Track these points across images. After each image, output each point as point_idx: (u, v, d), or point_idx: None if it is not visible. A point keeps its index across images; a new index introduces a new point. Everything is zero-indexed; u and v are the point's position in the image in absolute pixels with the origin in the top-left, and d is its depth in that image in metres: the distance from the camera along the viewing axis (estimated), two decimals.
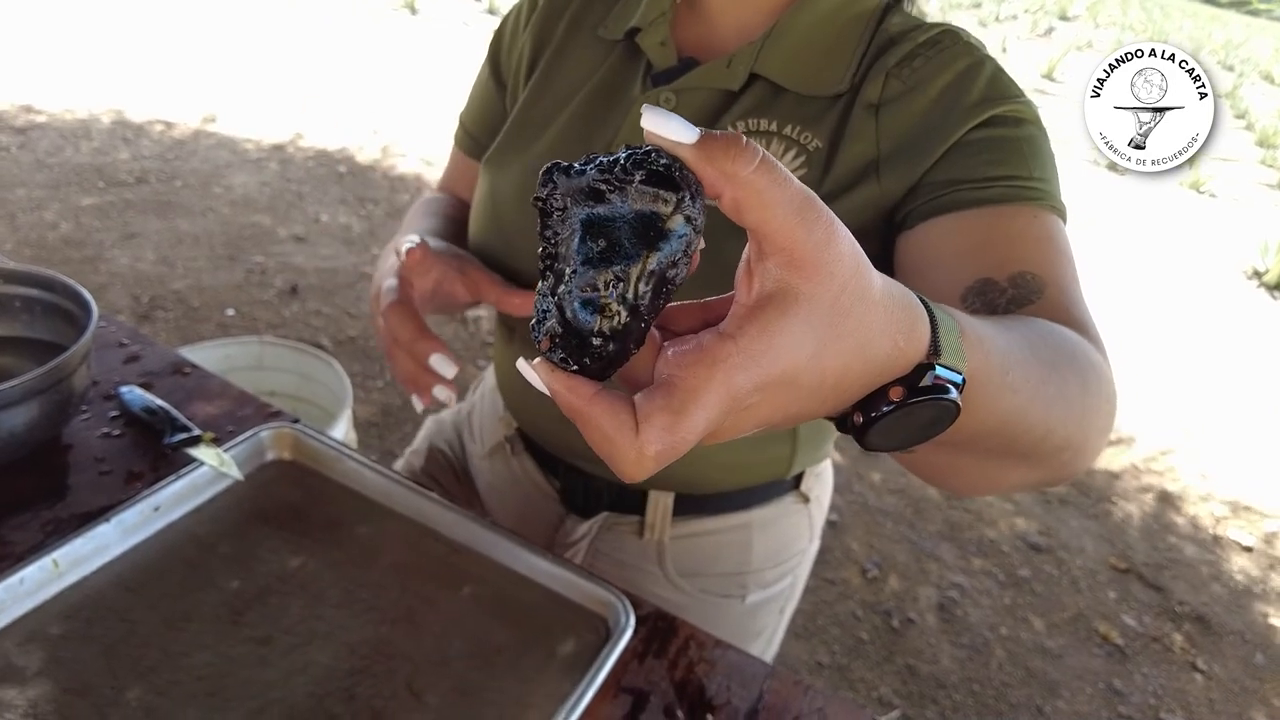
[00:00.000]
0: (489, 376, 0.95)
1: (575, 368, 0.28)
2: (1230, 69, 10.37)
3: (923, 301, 0.32)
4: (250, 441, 0.71)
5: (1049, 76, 7.87)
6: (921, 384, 0.31)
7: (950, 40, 0.62)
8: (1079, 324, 0.50)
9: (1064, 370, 0.43)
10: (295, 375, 1.58)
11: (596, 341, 0.27)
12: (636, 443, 0.27)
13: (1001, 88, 0.60)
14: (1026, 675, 1.88)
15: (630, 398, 0.28)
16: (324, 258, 3.02)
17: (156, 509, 0.65)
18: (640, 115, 0.66)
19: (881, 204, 0.60)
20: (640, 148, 0.27)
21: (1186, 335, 3.71)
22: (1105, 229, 4.67)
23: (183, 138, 3.81)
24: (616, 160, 0.26)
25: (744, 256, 0.28)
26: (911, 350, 0.31)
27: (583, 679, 0.55)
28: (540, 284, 0.28)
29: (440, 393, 0.63)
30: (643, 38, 0.68)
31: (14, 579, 0.57)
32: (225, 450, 0.69)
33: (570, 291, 0.27)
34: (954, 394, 0.32)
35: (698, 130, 0.26)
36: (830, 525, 2.10)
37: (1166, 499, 2.57)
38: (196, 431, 0.71)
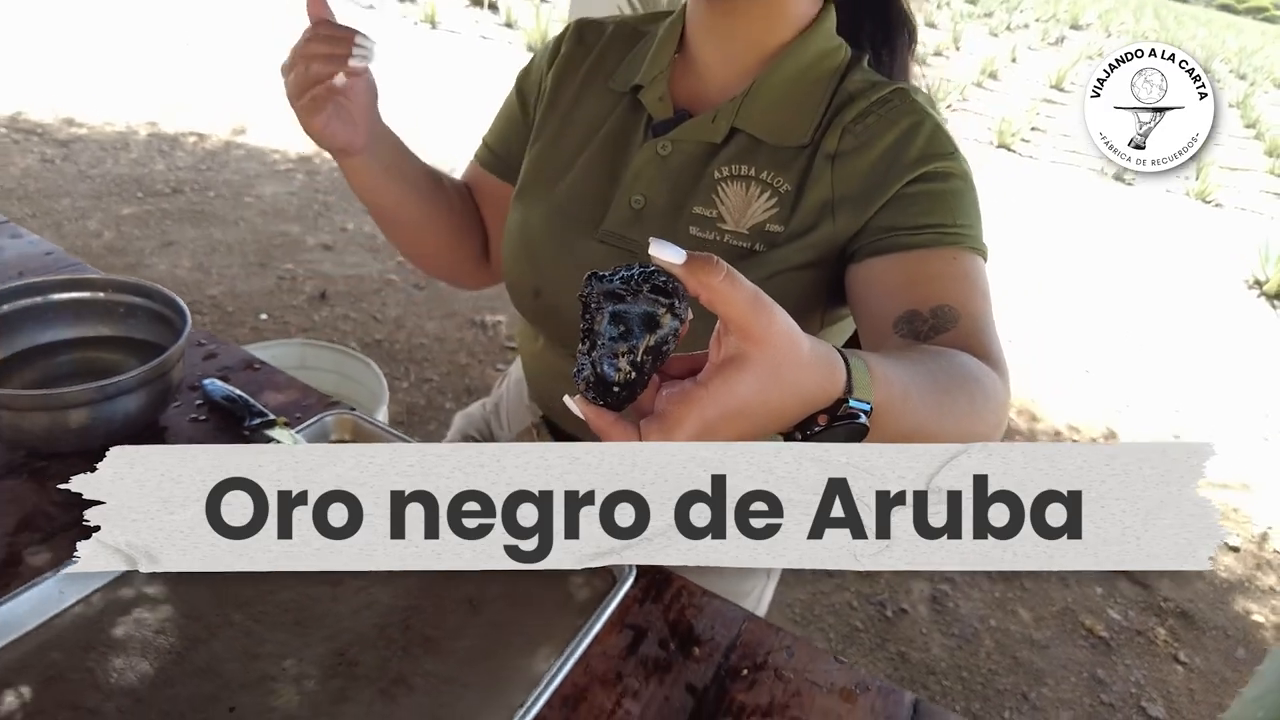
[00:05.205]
0: (514, 372, 1.07)
1: (602, 403, 0.42)
2: (1242, 77, 10.35)
3: (841, 354, 0.46)
4: (318, 425, 0.84)
5: (1058, 86, 7.93)
6: (839, 413, 0.45)
7: (899, 99, 0.74)
8: (984, 349, 0.63)
9: (955, 393, 0.56)
10: (335, 375, 1.72)
11: (616, 389, 0.42)
12: None
13: (937, 145, 0.72)
14: (1013, 664, 1.99)
15: (637, 423, 0.42)
16: (351, 265, 3.17)
17: None
18: (641, 161, 0.80)
19: (835, 240, 0.73)
20: (648, 266, 0.42)
21: (1184, 343, 3.79)
22: (1110, 238, 4.75)
23: (214, 149, 3.99)
24: (633, 274, 0.42)
25: (715, 329, 0.42)
26: (832, 389, 0.44)
27: (592, 616, 0.68)
28: (580, 346, 0.43)
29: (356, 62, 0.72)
30: (644, 94, 0.80)
31: None
32: (297, 432, 0.83)
33: (600, 357, 0.42)
34: (863, 419, 0.45)
35: (684, 254, 0.39)
36: None
37: None
38: (271, 416, 0.85)
